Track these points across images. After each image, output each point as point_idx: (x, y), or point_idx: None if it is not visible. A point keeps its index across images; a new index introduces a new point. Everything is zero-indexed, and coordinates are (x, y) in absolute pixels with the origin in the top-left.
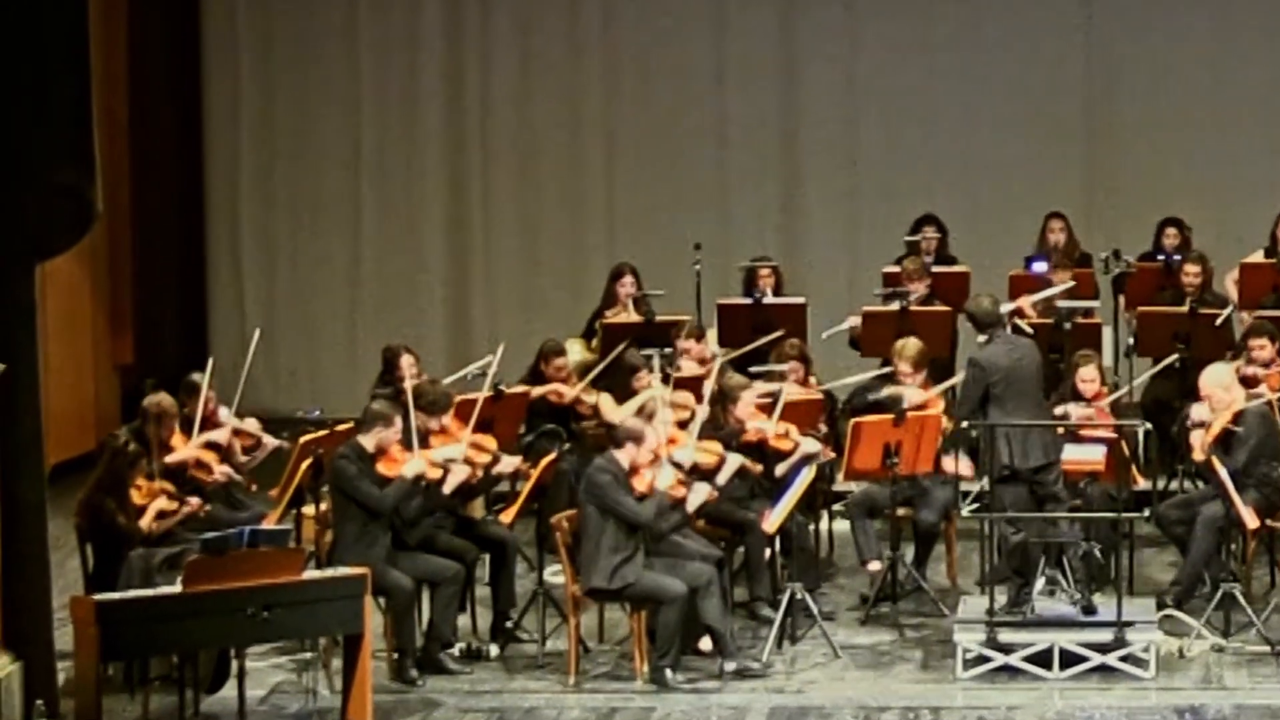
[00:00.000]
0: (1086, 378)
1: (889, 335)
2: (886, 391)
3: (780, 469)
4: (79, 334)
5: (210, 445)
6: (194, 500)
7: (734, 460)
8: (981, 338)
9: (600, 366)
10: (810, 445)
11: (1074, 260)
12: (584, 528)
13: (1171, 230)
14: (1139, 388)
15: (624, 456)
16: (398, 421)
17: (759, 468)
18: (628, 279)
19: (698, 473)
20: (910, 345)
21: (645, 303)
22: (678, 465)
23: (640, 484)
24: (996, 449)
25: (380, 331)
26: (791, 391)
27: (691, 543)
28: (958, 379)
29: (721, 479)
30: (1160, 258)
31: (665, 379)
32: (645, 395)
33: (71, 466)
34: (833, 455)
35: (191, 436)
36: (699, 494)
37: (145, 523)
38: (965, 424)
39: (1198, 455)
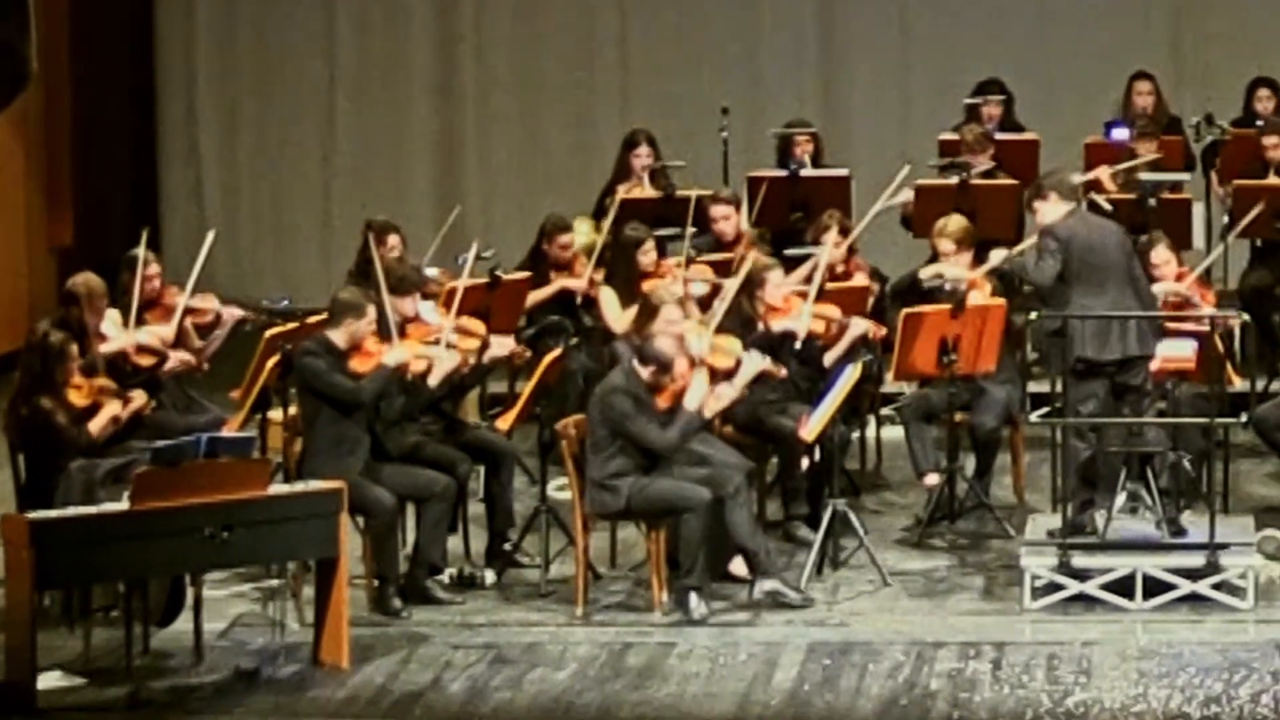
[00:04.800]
0: (1159, 260)
1: (946, 213)
2: (928, 272)
3: (830, 358)
4: (9, 212)
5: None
6: (137, 395)
7: (753, 362)
8: (1055, 210)
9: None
10: (859, 324)
11: (1161, 127)
12: (591, 446)
13: (1264, 92)
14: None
15: (647, 372)
16: (370, 311)
17: (782, 372)
18: (643, 149)
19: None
20: (954, 221)
21: (663, 175)
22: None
23: (663, 399)
24: (1071, 339)
25: (357, 213)
26: (834, 256)
27: (716, 451)
28: (1005, 252)
29: (738, 384)
30: (1258, 124)
31: (688, 263)
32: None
33: (0, 364)
34: (883, 331)
35: (130, 323)
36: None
37: (96, 428)
38: (1034, 316)
39: None
